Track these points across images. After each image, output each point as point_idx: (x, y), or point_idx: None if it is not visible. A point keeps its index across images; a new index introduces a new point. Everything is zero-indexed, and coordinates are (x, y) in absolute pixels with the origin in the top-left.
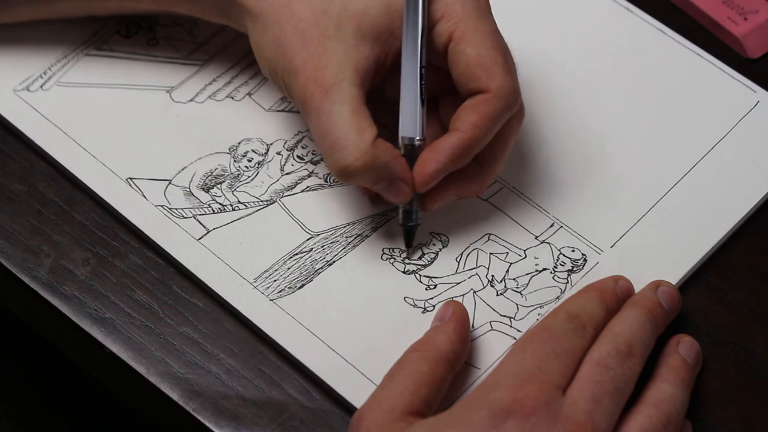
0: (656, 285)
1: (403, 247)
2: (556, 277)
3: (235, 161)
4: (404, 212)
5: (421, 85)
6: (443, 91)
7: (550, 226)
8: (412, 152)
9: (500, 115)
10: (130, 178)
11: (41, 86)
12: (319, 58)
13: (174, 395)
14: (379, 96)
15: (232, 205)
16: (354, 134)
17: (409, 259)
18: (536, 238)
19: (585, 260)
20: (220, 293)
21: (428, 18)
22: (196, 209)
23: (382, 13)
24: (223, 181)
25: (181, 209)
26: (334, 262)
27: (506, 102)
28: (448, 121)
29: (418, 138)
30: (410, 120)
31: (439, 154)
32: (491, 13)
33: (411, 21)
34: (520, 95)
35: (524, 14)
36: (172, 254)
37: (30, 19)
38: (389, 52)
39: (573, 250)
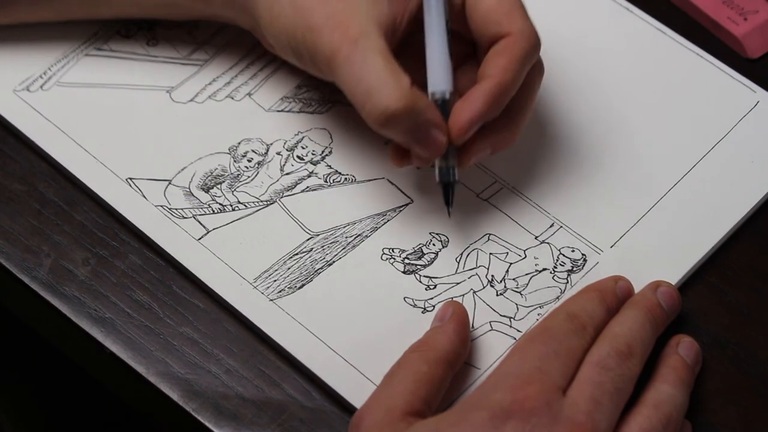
0: (656, 285)
1: (404, 247)
2: (555, 277)
3: (235, 161)
4: (441, 168)
5: (447, 38)
6: (460, 62)
7: (550, 226)
8: (443, 107)
9: (527, 56)
10: (130, 178)
11: (41, 86)
12: (342, 12)
13: (174, 395)
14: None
15: (232, 205)
16: (391, 78)
17: (402, 250)
18: (536, 238)
19: (585, 260)
20: (220, 293)
21: None
22: (196, 209)
23: None
24: (223, 181)
25: (181, 209)
26: (334, 262)
27: (530, 42)
28: (466, 91)
29: (449, 91)
30: (439, 74)
31: (473, 102)
32: None
33: None
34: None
35: None
36: (172, 254)
37: (31, 21)
38: (404, 12)
39: (573, 250)
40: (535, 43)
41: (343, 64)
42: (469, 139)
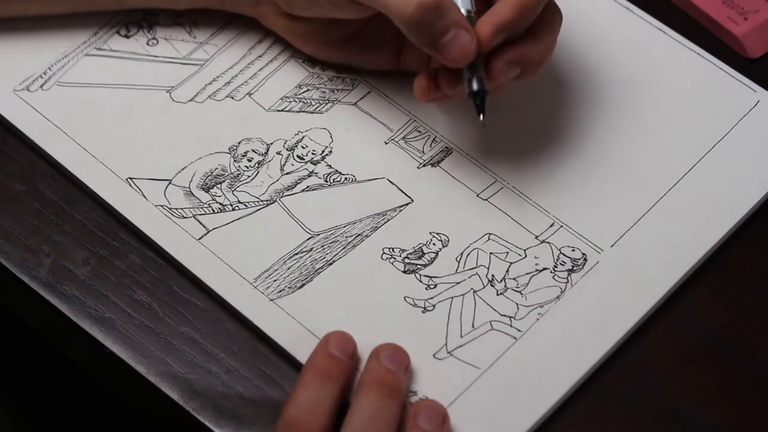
0: (377, 352)
1: (404, 247)
2: (556, 277)
3: (235, 161)
4: (470, 79)
5: None
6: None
7: (550, 226)
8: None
9: None
10: (130, 178)
11: (41, 86)
12: None
13: (174, 395)
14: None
15: (232, 205)
16: None
17: (402, 250)
18: (536, 237)
19: (585, 260)
20: (220, 293)
21: None
22: (196, 209)
23: None
24: (223, 181)
25: (181, 209)
26: (334, 261)
27: None
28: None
29: (471, 8)
30: None
31: (500, 10)
32: None
33: None
34: None
35: None
36: (172, 254)
37: (39, 14)
38: None
39: (573, 250)
40: None
41: None
42: (498, 49)
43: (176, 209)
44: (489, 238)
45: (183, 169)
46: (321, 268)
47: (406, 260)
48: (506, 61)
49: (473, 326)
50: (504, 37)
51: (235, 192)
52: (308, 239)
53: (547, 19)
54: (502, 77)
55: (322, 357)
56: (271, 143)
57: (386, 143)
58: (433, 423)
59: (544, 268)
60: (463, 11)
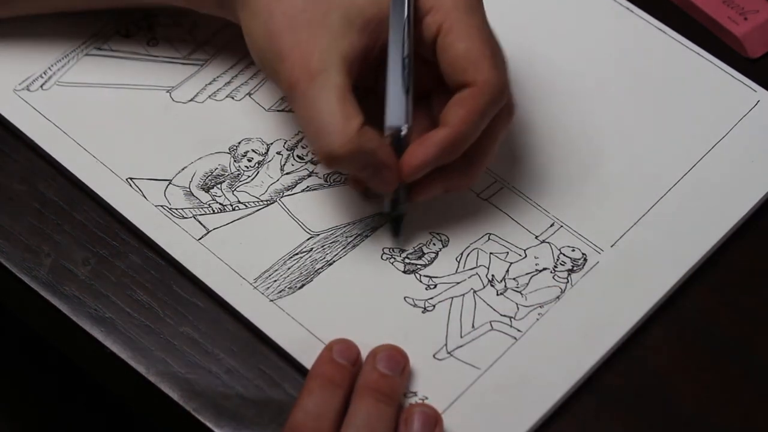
0: (373, 354)
1: (404, 246)
2: (556, 277)
3: (235, 161)
4: (390, 201)
5: (404, 73)
6: (435, 86)
7: (550, 226)
8: (399, 141)
9: (487, 110)
10: (130, 178)
11: (41, 86)
12: (306, 43)
13: (174, 395)
14: (373, 95)
15: (232, 205)
16: (340, 120)
17: (402, 250)
18: (536, 237)
19: (585, 260)
20: (220, 293)
21: (417, 10)
22: (196, 209)
23: (371, 3)
24: (223, 181)
25: (181, 209)
26: (334, 262)
27: (493, 96)
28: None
29: (404, 126)
30: (396, 109)
31: (428, 147)
32: (482, 7)
33: (397, 10)
34: (509, 90)
35: (524, 14)
36: (172, 254)
37: (31, 13)
38: (377, 42)
39: (573, 250)
40: (498, 95)
41: (299, 99)
42: (422, 178)
43: (176, 209)
44: (489, 238)
45: (183, 169)
46: (321, 268)
47: (406, 260)
48: (428, 190)
49: (473, 326)
50: (430, 169)
51: (235, 192)
52: (308, 239)
53: (486, 134)
54: (422, 199)
55: (326, 364)
56: (271, 143)
57: None
58: (424, 430)
59: (544, 268)
60: (395, 129)
